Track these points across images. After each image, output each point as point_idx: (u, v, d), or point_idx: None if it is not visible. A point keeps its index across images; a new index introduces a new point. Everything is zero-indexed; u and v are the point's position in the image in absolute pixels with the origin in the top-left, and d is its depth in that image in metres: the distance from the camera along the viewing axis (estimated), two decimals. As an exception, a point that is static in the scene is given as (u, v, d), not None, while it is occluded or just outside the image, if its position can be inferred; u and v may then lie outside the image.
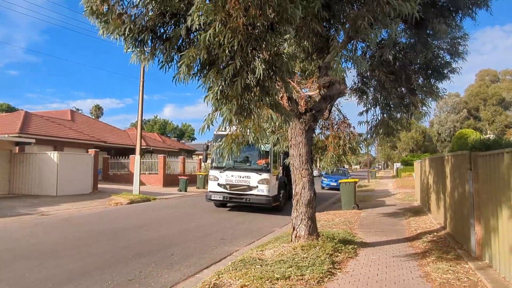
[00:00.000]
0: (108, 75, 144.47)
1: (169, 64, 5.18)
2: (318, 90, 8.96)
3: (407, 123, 9.23)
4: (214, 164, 15.65)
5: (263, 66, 4.58)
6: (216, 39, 4.32)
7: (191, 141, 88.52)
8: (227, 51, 4.48)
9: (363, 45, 8.52)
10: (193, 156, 42.93)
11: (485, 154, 6.45)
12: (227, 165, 15.29)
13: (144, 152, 35.22)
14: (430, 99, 9.05)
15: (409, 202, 17.48)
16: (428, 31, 7.93)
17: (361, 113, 9.34)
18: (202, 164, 35.32)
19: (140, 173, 21.78)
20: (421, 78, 9.50)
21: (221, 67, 4.72)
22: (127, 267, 6.66)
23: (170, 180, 29.06)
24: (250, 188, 14.71)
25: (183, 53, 4.63)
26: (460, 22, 9.05)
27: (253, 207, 15.40)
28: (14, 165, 20.58)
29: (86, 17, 4.86)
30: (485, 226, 6.31)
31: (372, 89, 9.56)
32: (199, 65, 4.87)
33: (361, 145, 10.90)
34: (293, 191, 7.30)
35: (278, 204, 15.73)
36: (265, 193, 14.56)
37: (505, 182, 5.24)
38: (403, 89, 9.19)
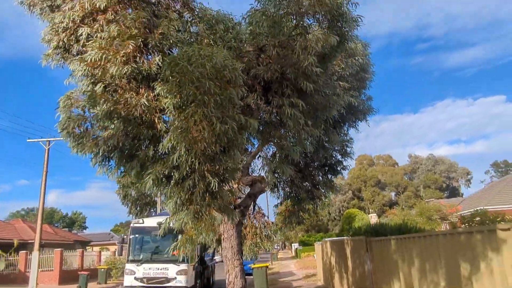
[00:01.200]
0: None
1: (129, 173, 6.13)
2: (237, 186, 10.36)
3: (314, 212, 11.03)
4: (130, 258, 15.53)
5: (217, 180, 5.82)
6: (180, 159, 5.50)
7: (83, 230, 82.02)
8: (187, 168, 5.66)
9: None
10: (87, 248, 39.97)
11: (378, 239, 8.28)
12: (144, 257, 15.33)
13: (41, 246, 32.12)
14: (330, 192, 11.10)
15: (313, 283, 19.01)
16: (325, 139, 10.11)
17: (275, 205, 10.93)
18: (102, 256, 33.27)
19: (40, 270, 20.06)
20: (320, 174, 11.63)
21: (180, 180, 5.84)
22: None
23: (67, 277, 26.70)
24: (168, 280, 14.80)
25: (149, 170, 5.69)
26: (347, 131, 11.66)
27: None
28: None
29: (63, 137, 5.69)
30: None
31: (283, 183, 11.34)
32: (162, 178, 5.92)
33: (277, 233, 12.34)
34: (227, 280, 8.20)
35: None
36: (184, 284, 14.76)
37: (393, 261, 6.97)
38: (308, 184, 11.12)
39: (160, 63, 5.69)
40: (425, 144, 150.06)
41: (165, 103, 5.49)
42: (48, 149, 21.39)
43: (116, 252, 28.44)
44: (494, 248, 4.22)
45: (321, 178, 11.18)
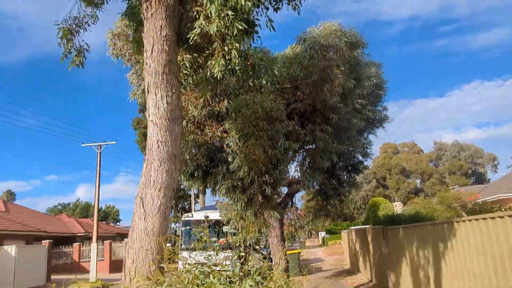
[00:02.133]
0: (13, 156, 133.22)
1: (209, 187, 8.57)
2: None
3: (340, 206, 13.31)
4: (182, 246, 18.17)
5: (269, 187, 8.19)
6: (244, 174, 7.89)
7: (117, 222, 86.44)
8: (249, 181, 8.05)
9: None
10: (125, 239, 43.38)
11: (391, 228, 10.50)
12: (194, 246, 18.04)
13: (83, 239, 35.61)
14: (352, 189, 13.35)
15: (341, 266, 21.32)
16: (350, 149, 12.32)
17: (308, 201, 13.25)
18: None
19: (97, 260, 23.09)
20: (345, 174, 13.85)
21: (244, 189, 8.24)
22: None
23: (116, 266, 29.87)
24: (215, 265, 17.37)
25: (223, 182, 8.11)
26: (367, 136, 13.84)
27: None
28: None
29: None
30: (396, 274, 10.17)
31: (313, 182, 13.61)
32: (231, 188, 8.34)
33: (308, 224, 14.72)
34: (273, 261, 10.62)
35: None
36: (229, 268, 17.34)
37: (401, 245, 9.21)
38: (334, 182, 13.35)
39: (227, 105, 8.06)
40: (452, 128, 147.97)
41: (232, 136, 7.87)
42: (100, 152, 24.28)
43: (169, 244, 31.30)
44: (453, 234, 6.40)
45: (345, 177, 13.40)
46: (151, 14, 3.89)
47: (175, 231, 19.34)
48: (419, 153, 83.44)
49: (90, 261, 29.50)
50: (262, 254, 19.69)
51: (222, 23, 3.53)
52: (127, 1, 5.90)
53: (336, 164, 13.49)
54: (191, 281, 3.00)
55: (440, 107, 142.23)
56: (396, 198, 71.69)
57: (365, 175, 72.49)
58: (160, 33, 3.84)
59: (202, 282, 3.04)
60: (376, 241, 12.30)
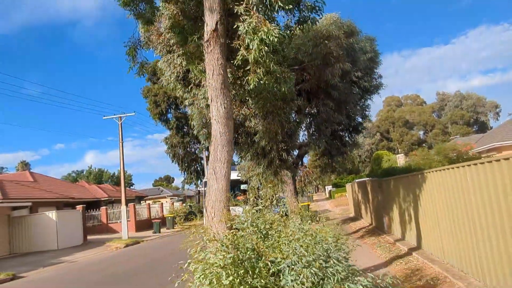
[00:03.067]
0: (16, 128, 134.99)
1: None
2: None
3: (343, 163, 15.61)
4: (205, 204, 20.80)
5: (285, 152, 10.44)
6: (266, 144, 10.11)
7: (130, 187, 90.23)
8: (269, 148, 10.28)
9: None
10: (142, 202, 46.47)
11: (385, 179, 12.82)
12: None
13: (107, 203, 38.61)
14: (354, 148, 15.62)
15: (346, 215, 24.03)
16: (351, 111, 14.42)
17: (314, 160, 15.55)
18: (166, 207, 39.61)
19: (127, 220, 25.93)
20: (347, 135, 16.05)
21: (265, 154, 10.50)
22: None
23: (140, 225, 32.99)
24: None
25: (248, 150, 10.36)
26: (365, 101, 15.86)
27: None
28: (13, 227, 23.66)
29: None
30: (388, 217, 12.61)
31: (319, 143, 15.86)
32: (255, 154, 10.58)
33: (316, 180, 17.13)
34: (289, 210, 13.06)
35: None
36: None
37: (392, 193, 11.55)
38: (337, 142, 15.56)
39: (250, 89, 10.12)
40: (457, 76, 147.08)
41: (254, 113, 10.00)
42: (121, 124, 26.55)
43: (184, 204, 33.97)
44: (425, 182, 8.63)
45: (347, 137, 15.61)
46: (210, 50, 5.88)
47: (199, 191, 21.40)
48: (422, 104, 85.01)
49: (116, 222, 32.62)
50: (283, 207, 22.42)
51: (258, 54, 5.52)
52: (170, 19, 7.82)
53: (338, 128, 15.72)
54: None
55: (445, 54, 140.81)
56: (400, 150, 73.96)
57: (368, 129, 74.65)
58: (217, 62, 5.83)
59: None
60: (374, 191, 14.70)
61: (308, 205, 21.63)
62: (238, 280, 4.38)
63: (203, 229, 5.25)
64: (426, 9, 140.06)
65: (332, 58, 10.14)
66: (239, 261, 4.56)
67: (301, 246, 4.47)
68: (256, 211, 5.61)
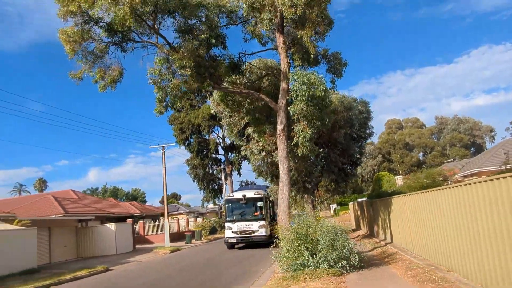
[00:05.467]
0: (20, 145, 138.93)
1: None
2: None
3: (346, 188, 22.09)
4: (227, 218, 23.88)
5: (308, 184, 16.92)
6: (295, 178, 16.60)
7: (144, 203, 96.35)
8: (299, 180, 16.76)
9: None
10: (160, 218, 52.65)
11: (374, 200, 19.20)
12: (236, 218, 23.32)
13: (138, 218, 44.89)
14: (353, 178, 22.13)
15: (349, 227, 30.26)
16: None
17: (325, 185, 21.99)
18: (190, 221, 45.86)
19: (168, 232, 32.23)
20: (348, 167, 22.57)
21: (293, 184, 16.99)
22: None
23: (172, 237, 39.13)
24: (253, 231, 22.42)
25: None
26: (359, 151, 22.42)
27: (255, 245, 22.78)
28: (79, 236, 29.98)
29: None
30: (377, 226, 18.95)
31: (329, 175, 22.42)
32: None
33: (327, 200, 23.54)
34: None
35: (272, 240, 24.45)
36: (264, 233, 22.19)
37: (378, 210, 17.95)
38: (342, 174, 22.02)
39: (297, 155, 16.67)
40: (461, 95, 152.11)
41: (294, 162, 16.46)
42: (164, 152, 33.15)
43: (199, 219, 39.89)
44: (392, 204, 14.90)
45: (349, 170, 22.08)
46: (280, 138, 12.28)
47: (220, 207, 26.55)
48: (421, 127, 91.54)
49: (151, 234, 38.89)
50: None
51: (303, 141, 11.97)
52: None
53: (342, 165, 22.32)
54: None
55: (448, 73, 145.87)
56: (400, 171, 79.96)
57: (370, 151, 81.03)
58: (283, 144, 12.18)
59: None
60: (368, 209, 21.09)
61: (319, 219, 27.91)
62: (298, 244, 10.81)
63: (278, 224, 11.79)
64: (428, 30, 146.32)
65: (337, 125, 16.70)
66: (299, 236, 10.98)
67: (325, 230, 10.95)
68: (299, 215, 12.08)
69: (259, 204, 22.37)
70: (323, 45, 13.83)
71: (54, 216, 30.68)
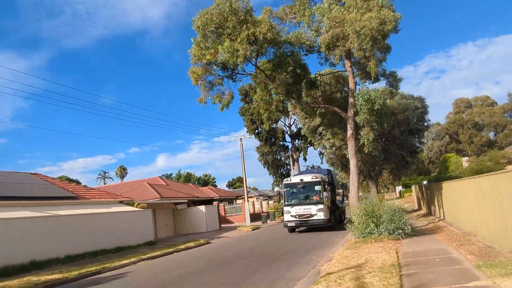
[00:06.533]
0: (96, 132, 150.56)
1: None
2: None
3: (406, 174, 25.87)
4: (286, 203, 24.46)
5: (372, 172, 21.14)
6: (361, 167, 20.86)
7: (215, 187, 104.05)
8: (364, 168, 21.01)
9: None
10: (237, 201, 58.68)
11: (431, 184, 22.90)
12: (295, 202, 23.89)
13: (219, 201, 51.10)
14: (413, 165, 25.82)
15: (412, 208, 33.85)
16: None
17: (388, 171, 25.90)
18: (263, 204, 51.34)
19: (249, 213, 37.70)
20: (408, 155, 26.26)
21: (361, 173, 21.28)
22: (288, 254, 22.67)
23: (250, 218, 44.76)
24: (311, 215, 22.83)
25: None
26: (421, 136, 26.07)
27: (315, 228, 23.68)
28: (176, 216, 36.28)
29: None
30: (435, 206, 22.69)
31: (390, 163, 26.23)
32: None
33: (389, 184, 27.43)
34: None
35: (331, 224, 23.63)
36: (322, 217, 22.58)
37: (434, 193, 21.70)
38: (403, 160, 25.72)
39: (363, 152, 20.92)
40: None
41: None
42: (242, 144, 38.47)
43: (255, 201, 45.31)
44: (444, 189, 18.59)
45: (409, 158, 25.73)
46: (350, 140, 16.51)
47: (279, 192, 26.04)
48: (492, 105, 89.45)
49: (231, 215, 44.80)
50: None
51: (367, 142, 16.11)
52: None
53: (402, 153, 26.02)
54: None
55: None
56: (469, 151, 79.70)
57: (437, 131, 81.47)
58: (353, 145, 16.38)
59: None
60: (426, 191, 24.76)
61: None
62: (365, 218, 15.26)
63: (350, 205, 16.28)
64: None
65: (396, 124, 20.56)
66: (366, 213, 15.44)
67: (386, 208, 15.31)
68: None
69: (317, 188, 22.81)
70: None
71: (152, 200, 37.24)
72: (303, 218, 23.08)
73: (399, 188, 74.83)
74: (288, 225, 23.74)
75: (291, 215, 23.47)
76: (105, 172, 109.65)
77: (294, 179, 24.96)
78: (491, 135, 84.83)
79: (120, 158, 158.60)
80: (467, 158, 62.89)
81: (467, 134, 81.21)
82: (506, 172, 9.25)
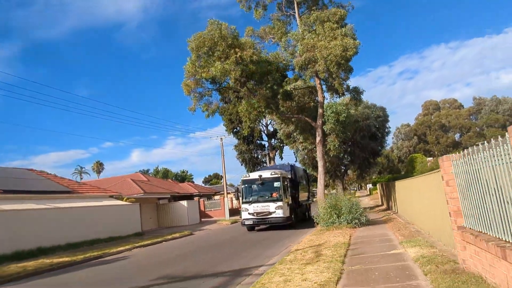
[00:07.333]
0: (67, 126, 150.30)
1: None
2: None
3: (370, 173, 29.59)
4: (244, 200, 23.07)
5: (339, 172, 24.70)
6: (329, 168, 24.37)
7: (192, 183, 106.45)
8: (332, 169, 24.55)
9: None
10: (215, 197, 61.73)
11: (389, 182, 26.64)
12: (253, 199, 22.72)
13: (199, 196, 53.99)
14: (375, 166, 29.58)
15: (375, 204, 37.75)
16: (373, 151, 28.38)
17: (353, 171, 29.51)
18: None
19: (228, 208, 40.87)
20: (371, 157, 30.00)
21: (327, 173, 24.82)
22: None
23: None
24: (270, 213, 21.94)
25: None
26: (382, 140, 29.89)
27: (274, 227, 22.83)
28: (159, 211, 39.11)
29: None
30: (391, 202, 26.44)
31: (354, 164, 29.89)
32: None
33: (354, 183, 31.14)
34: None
35: (291, 222, 22.82)
36: (281, 215, 21.77)
37: (391, 190, 25.42)
38: (366, 162, 29.40)
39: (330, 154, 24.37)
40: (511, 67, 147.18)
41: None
42: (222, 143, 41.52)
43: (233, 197, 48.53)
44: (397, 186, 22.25)
45: (371, 160, 29.43)
46: (319, 146, 19.80)
47: (237, 189, 25.29)
48: (459, 108, 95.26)
49: (211, 210, 47.83)
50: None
51: (333, 147, 19.42)
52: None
53: (365, 156, 29.70)
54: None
55: (497, 45, 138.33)
56: (436, 152, 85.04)
57: (406, 132, 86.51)
58: (321, 150, 19.69)
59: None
60: (387, 189, 28.53)
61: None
62: (329, 210, 18.78)
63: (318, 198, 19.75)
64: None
65: (358, 130, 24.08)
66: (330, 205, 18.92)
67: (346, 202, 18.84)
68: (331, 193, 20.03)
69: (276, 184, 21.78)
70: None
71: (136, 194, 39.88)
72: (261, 216, 22.05)
73: (369, 185, 79.58)
74: (246, 223, 22.66)
75: (248, 213, 22.37)
76: (81, 167, 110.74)
77: (253, 175, 23.85)
78: (457, 136, 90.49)
79: (93, 152, 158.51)
80: (431, 158, 67.79)
81: (434, 135, 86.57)
82: (432, 173, 12.73)
